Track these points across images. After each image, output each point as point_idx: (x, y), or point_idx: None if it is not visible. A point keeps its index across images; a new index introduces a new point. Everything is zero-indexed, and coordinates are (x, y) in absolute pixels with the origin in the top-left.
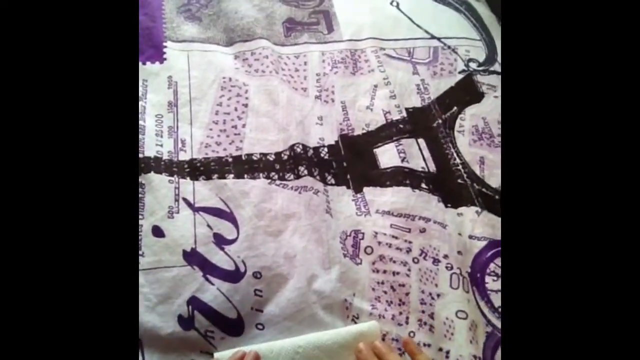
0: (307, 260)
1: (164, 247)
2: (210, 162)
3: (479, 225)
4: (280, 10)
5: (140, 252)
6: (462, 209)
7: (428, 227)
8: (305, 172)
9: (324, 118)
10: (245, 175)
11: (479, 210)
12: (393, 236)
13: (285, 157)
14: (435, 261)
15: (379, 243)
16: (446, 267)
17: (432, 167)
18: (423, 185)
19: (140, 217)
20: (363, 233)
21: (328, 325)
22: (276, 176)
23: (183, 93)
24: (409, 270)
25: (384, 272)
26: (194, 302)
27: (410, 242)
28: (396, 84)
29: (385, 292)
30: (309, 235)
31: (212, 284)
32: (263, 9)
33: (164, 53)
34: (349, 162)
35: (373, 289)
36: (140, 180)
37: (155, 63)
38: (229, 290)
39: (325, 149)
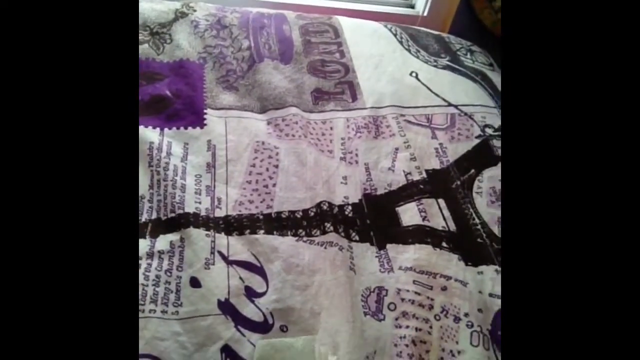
0: (332, 316)
1: (200, 297)
2: (243, 218)
3: (499, 284)
4: (309, 81)
5: (179, 302)
6: (482, 268)
7: (449, 285)
8: (331, 228)
9: (348, 178)
10: (275, 232)
11: (499, 268)
12: (416, 292)
13: (312, 213)
14: (456, 319)
15: (402, 300)
16: (467, 325)
17: (452, 227)
18: (444, 244)
19: (179, 269)
20: (386, 290)
21: None
22: (303, 233)
23: (220, 155)
24: (431, 327)
25: (407, 327)
26: (227, 350)
27: (432, 299)
28: (416, 147)
29: (407, 346)
30: (333, 291)
31: (244, 335)
32: (293, 80)
33: (205, 119)
34: (372, 219)
35: (395, 345)
36: (180, 235)
37: (196, 128)
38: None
39: (350, 207)
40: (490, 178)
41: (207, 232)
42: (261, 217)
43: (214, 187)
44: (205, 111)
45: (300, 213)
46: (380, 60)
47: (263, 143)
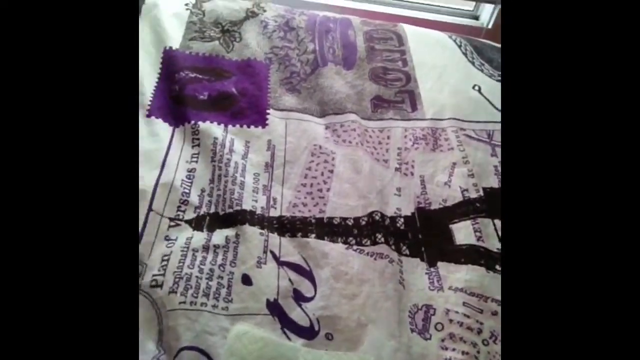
0: (378, 329)
1: (250, 295)
2: (296, 221)
3: None
4: (370, 88)
5: (229, 298)
6: None
7: (500, 310)
8: (382, 239)
9: (402, 189)
10: (326, 237)
11: None
12: (465, 315)
13: (364, 222)
14: None
15: (450, 321)
16: None
17: None
18: (497, 267)
19: (232, 264)
20: (435, 309)
21: None
22: (353, 241)
23: (279, 156)
24: (478, 352)
25: (453, 349)
26: None
27: (481, 323)
28: (475, 163)
29: None
30: (381, 304)
31: (289, 339)
32: (354, 86)
33: (267, 119)
34: (425, 234)
35: None
36: (236, 231)
37: (258, 127)
38: (303, 347)
39: (402, 220)
40: None
41: (261, 231)
42: (313, 220)
43: (271, 186)
44: (268, 111)
45: (352, 221)
46: (443, 71)
47: (320, 147)
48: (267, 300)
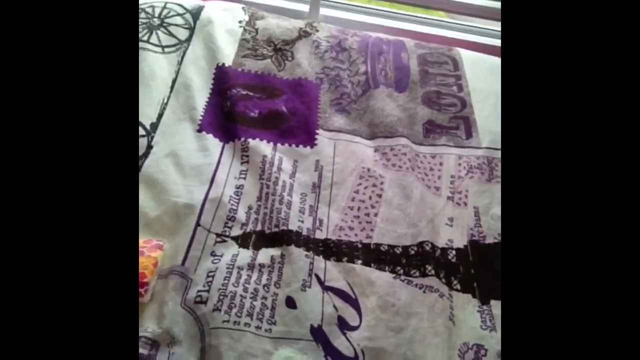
0: None
1: (294, 319)
2: (342, 244)
3: None
4: (422, 112)
5: (273, 320)
6: None
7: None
8: (432, 271)
9: (454, 220)
10: (372, 264)
11: None
12: None
13: (413, 252)
14: None
15: None
16: None
17: None
18: None
19: (277, 285)
20: (486, 349)
21: None
22: (402, 271)
23: (326, 177)
24: None
25: None
26: None
27: None
28: None
29: None
30: (429, 339)
31: None
32: (406, 109)
33: (316, 139)
34: (478, 269)
35: None
36: (281, 251)
37: (307, 147)
38: None
39: (454, 252)
40: None
41: (306, 253)
42: (360, 245)
43: (317, 207)
44: (317, 131)
45: (400, 249)
46: (500, 98)
47: (369, 170)
48: (311, 326)
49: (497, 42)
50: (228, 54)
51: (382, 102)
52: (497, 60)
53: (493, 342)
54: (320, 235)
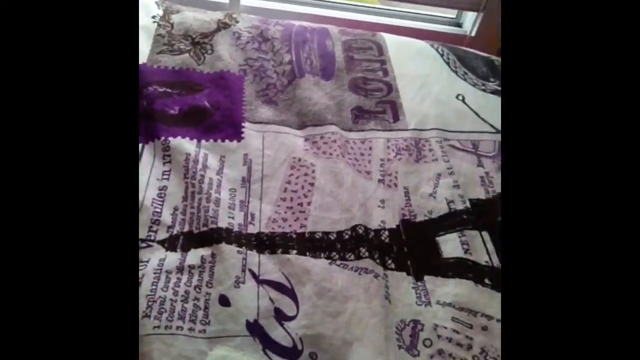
0: (364, 347)
1: (229, 316)
2: (276, 237)
3: None
4: (350, 98)
5: (206, 321)
6: None
7: (490, 326)
8: (366, 253)
9: (386, 202)
10: (307, 253)
11: None
12: (454, 330)
13: (347, 236)
14: None
15: (439, 336)
16: None
17: (497, 262)
18: (486, 281)
19: (209, 285)
20: (422, 324)
21: None
22: (337, 256)
23: (256, 170)
24: None
25: None
26: None
27: (471, 339)
28: (460, 174)
29: None
30: (367, 320)
31: (270, 359)
32: (334, 97)
33: (242, 132)
34: (410, 247)
35: None
36: (212, 250)
37: (233, 141)
38: None
39: (387, 233)
40: None
41: (238, 249)
42: (294, 236)
43: (248, 202)
44: (243, 124)
45: (335, 235)
46: (425, 80)
47: (299, 160)
48: (247, 321)
49: (420, 25)
50: (142, 51)
51: (309, 90)
52: (421, 44)
53: (429, 316)
54: (252, 229)
